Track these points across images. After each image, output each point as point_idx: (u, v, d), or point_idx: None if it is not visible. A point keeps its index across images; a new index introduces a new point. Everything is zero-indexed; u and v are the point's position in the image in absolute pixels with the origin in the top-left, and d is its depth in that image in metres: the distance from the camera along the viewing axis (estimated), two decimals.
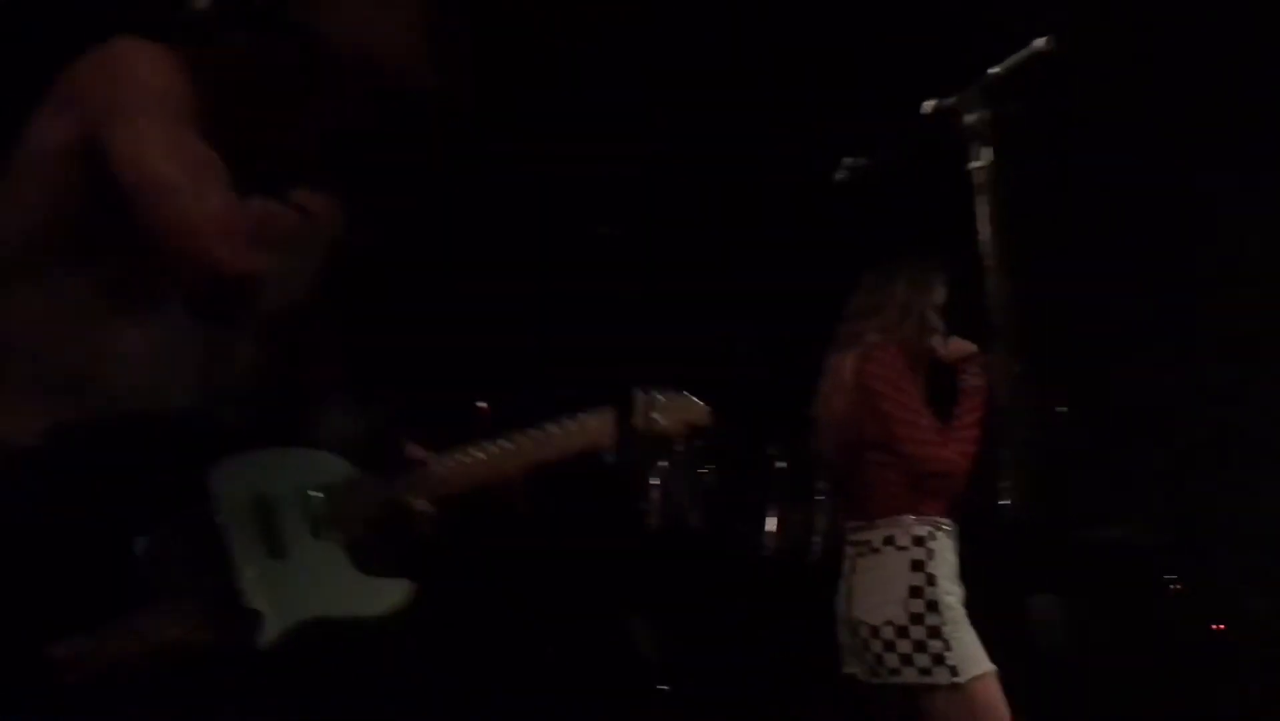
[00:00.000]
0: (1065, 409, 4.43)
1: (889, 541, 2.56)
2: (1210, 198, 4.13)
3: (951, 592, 2.54)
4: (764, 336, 4.16)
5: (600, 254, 3.81)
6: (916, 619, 2.50)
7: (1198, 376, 4.21)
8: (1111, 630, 4.18)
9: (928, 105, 1.80)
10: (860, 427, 2.62)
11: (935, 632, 2.48)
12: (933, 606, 2.50)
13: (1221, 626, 4.14)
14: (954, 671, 2.46)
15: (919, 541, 2.54)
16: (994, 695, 2.49)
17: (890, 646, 2.50)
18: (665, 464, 3.77)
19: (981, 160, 1.79)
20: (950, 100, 1.80)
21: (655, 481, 3.76)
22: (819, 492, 4.08)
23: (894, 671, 2.50)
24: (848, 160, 2.04)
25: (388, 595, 1.54)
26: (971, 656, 2.49)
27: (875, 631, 2.51)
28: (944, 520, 2.59)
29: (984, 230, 1.81)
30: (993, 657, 2.47)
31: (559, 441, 1.72)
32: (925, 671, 2.48)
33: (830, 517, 4.05)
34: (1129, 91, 3.78)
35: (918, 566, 2.53)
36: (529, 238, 3.85)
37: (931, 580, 2.52)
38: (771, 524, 4.07)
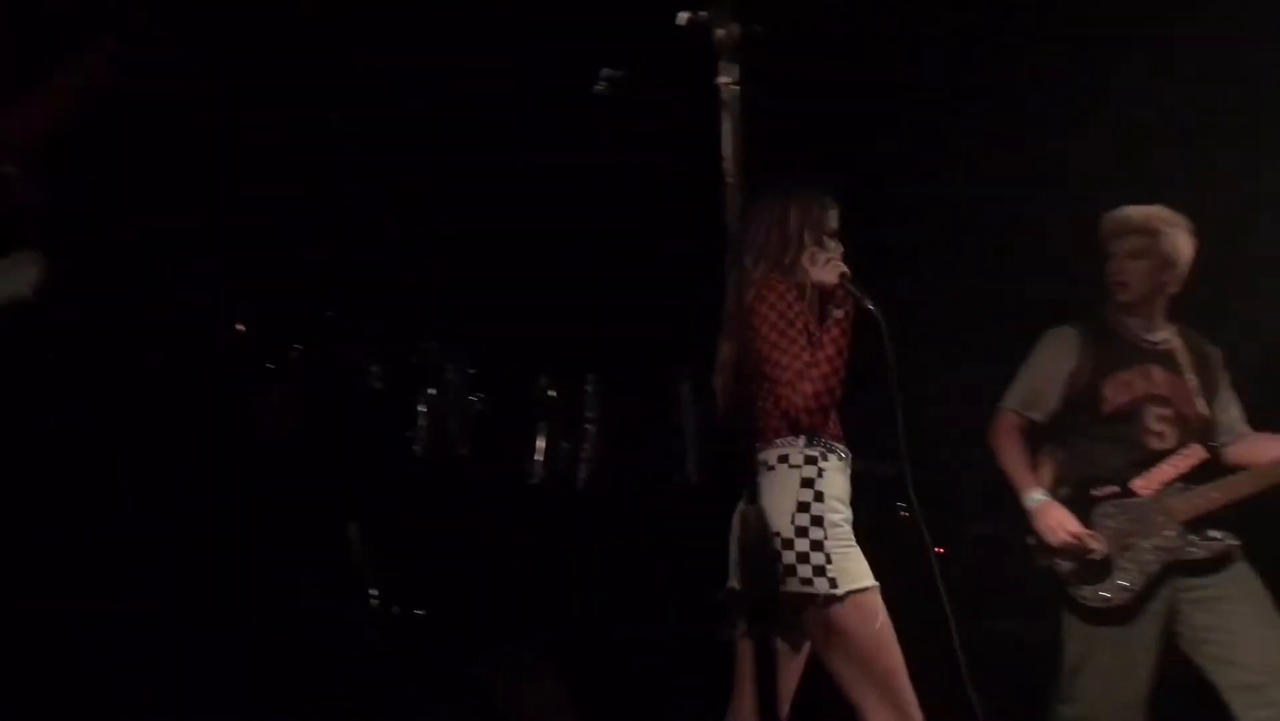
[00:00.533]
0: None
1: (783, 460, 2.68)
2: (957, 124, 4.36)
3: (838, 511, 2.66)
4: (531, 262, 4.18)
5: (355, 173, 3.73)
6: (801, 532, 2.61)
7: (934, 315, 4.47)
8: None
9: (682, 17, 1.83)
10: (749, 359, 2.68)
11: (818, 546, 2.60)
12: (818, 521, 2.62)
13: (941, 550, 4.50)
14: (833, 583, 2.58)
15: (811, 460, 2.66)
16: (871, 609, 2.62)
17: (781, 559, 2.59)
18: (433, 391, 3.77)
19: (728, 76, 1.83)
20: (703, 14, 1.83)
21: (423, 409, 3.75)
22: (588, 422, 4.20)
23: (781, 581, 2.57)
24: (605, 72, 2.05)
25: None
26: (852, 571, 2.62)
27: None
28: (838, 444, 2.73)
29: (727, 147, 1.86)
30: None
31: None
32: (806, 582, 2.59)
33: (601, 447, 4.18)
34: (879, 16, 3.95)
35: (807, 483, 2.65)
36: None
37: (819, 496, 2.64)
38: (539, 453, 4.12)
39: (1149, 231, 3.36)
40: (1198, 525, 3.19)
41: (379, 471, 3.68)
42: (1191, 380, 3.32)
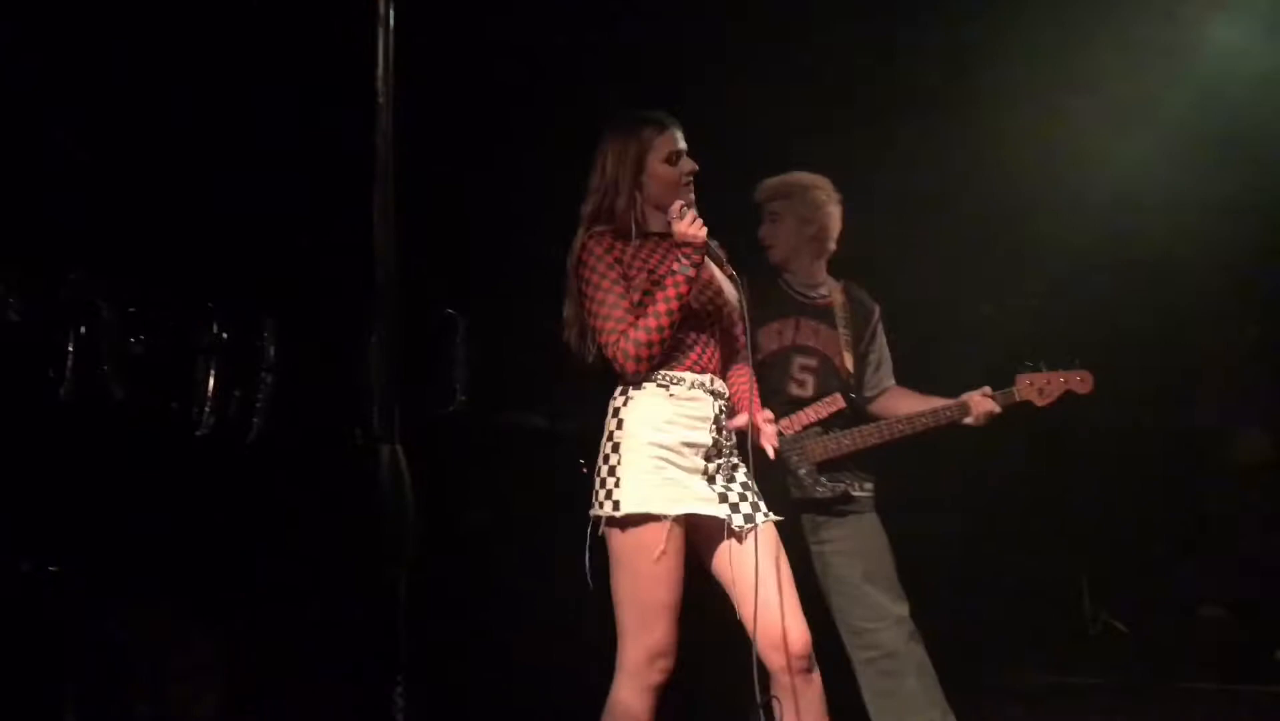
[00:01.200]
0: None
1: (611, 399, 2.80)
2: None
3: (637, 436, 2.70)
4: (199, 193, 3.86)
5: None
6: (605, 459, 2.75)
7: None
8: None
9: None
10: (578, 310, 2.79)
11: (612, 470, 2.71)
12: (616, 447, 2.73)
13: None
14: (616, 505, 2.66)
15: (623, 391, 2.76)
16: (652, 539, 2.60)
17: (593, 486, 2.75)
18: (83, 330, 3.42)
19: None
20: None
21: (70, 348, 3.39)
22: (265, 370, 3.95)
23: (590, 506, 2.76)
24: None
25: None
26: (638, 496, 2.65)
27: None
28: (688, 373, 2.75)
29: (381, 64, 1.80)
30: None
31: None
32: (600, 504, 2.72)
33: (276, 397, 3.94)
34: None
35: (614, 412, 2.77)
36: None
37: (621, 424, 2.73)
38: (208, 400, 3.85)
39: (786, 195, 3.59)
40: (828, 468, 3.41)
41: (14, 413, 3.30)
42: (844, 334, 3.52)
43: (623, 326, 2.69)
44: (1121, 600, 5.41)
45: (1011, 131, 4.57)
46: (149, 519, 3.58)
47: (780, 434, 3.32)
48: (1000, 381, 3.48)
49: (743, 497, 2.79)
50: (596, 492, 2.73)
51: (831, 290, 3.60)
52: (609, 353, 2.72)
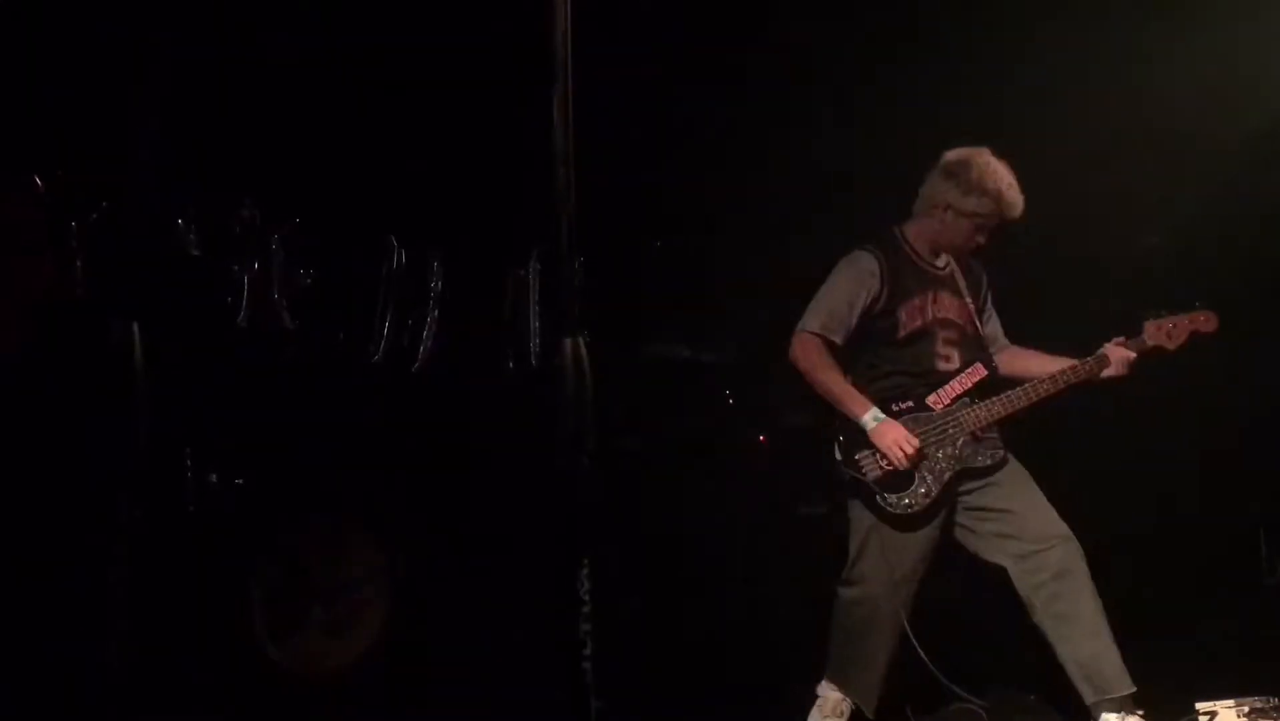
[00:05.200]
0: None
1: None
2: None
3: None
4: (375, 135, 3.80)
5: None
6: None
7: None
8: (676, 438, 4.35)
9: None
10: None
11: None
12: None
13: (764, 439, 4.42)
14: None
15: None
16: None
17: None
18: (257, 264, 3.42)
19: None
20: None
21: (245, 278, 3.39)
22: (433, 301, 3.91)
23: None
24: None
25: None
26: None
27: None
28: None
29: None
30: None
31: None
32: None
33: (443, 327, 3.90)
34: None
35: None
36: None
37: None
38: (382, 329, 3.83)
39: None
40: (979, 434, 3.27)
41: (197, 337, 3.32)
42: (969, 302, 3.36)
43: None
44: None
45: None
46: (322, 438, 3.60)
47: (930, 409, 3.24)
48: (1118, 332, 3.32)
49: None
50: None
51: (948, 259, 3.36)
52: None
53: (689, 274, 4.34)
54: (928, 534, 3.21)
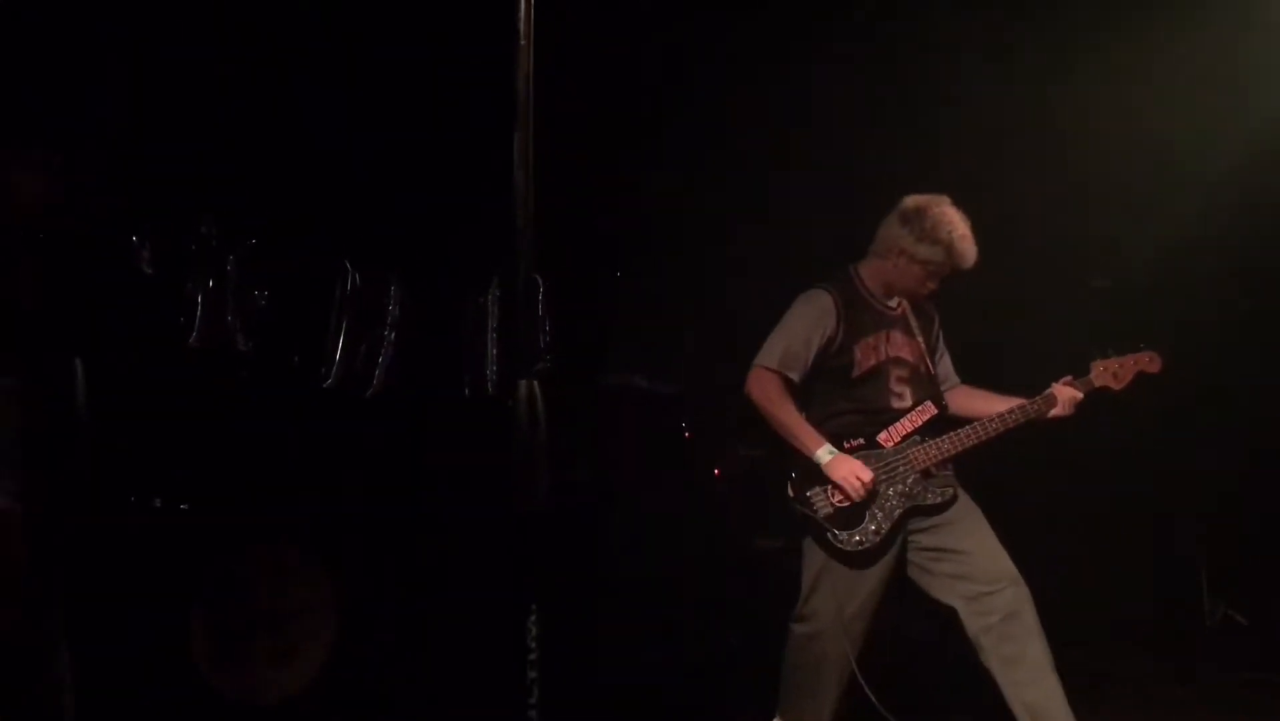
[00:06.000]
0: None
1: None
2: None
3: None
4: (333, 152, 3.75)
5: None
6: None
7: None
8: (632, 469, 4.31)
9: None
10: None
11: None
12: None
13: (718, 471, 4.40)
14: None
15: None
16: None
17: None
18: (211, 283, 3.33)
19: None
20: None
21: (199, 298, 3.31)
22: (389, 326, 3.85)
23: None
24: None
25: None
26: None
27: None
28: None
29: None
30: None
31: None
32: None
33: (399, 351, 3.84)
34: None
35: None
36: None
37: None
38: (338, 352, 3.76)
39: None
40: (929, 471, 3.26)
41: (146, 358, 3.23)
42: (921, 342, 3.36)
43: None
44: (1242, 592, 4.95)
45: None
46: (270, 462, 3.52)
47: (881, 446, 3.24)
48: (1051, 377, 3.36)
49: None
50: None
51: (899, 299, 3.37)
52: None
53: (647, 304, 4.33)
54: (879, 571, 3.20)
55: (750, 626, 3.96)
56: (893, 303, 3.37)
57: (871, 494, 3.16)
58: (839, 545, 3.17)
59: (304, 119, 3.69)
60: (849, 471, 3.15)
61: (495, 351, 4.03)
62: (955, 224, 3.23)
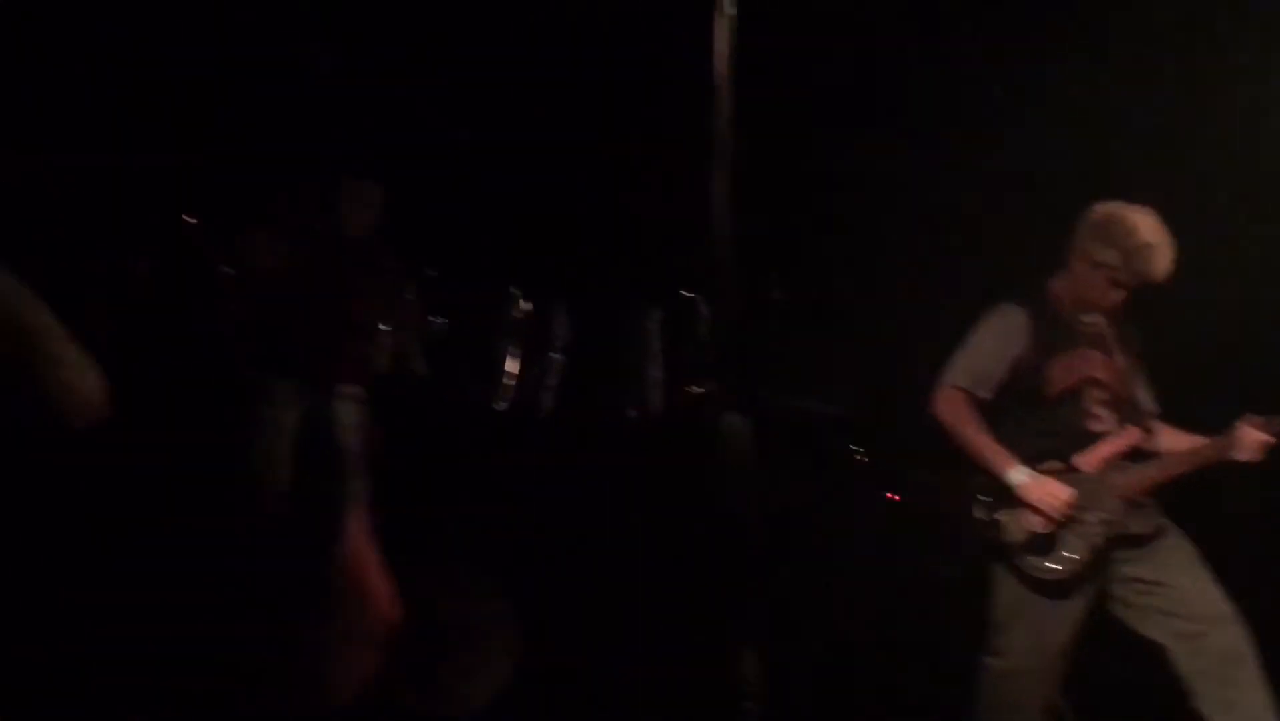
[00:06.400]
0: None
1: None
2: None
3: None
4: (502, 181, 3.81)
5: None
6: None
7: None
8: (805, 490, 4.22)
9: None
10: None
11: None
12: None
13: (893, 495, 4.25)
14: None
15: None
16: None
17: None
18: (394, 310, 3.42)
19: None
20: None
21: (384, 328, 3.40)
22: (555, 349, 3.89)
23: None
24: None
25: None
26: None
27: None
28: None
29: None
30: None
31: None
32: None
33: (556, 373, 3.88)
34: None
35: None
36: None
37: None
38: (508, 377, 3.81)
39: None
40: (1134, 500, 3.03)
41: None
42: (1121, 362, 3.12)
43: None
44: None
45: None
46: (449, 484, 3.59)
47: (1080, 471, 3.03)
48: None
49: None
50: None
51: (1098, 316, 3.13)
52: None
53: (817, 325, 4.24)
54: (1077, 603, 2.99)
55: (929, 658, 3.79)
56: (1089, 319, 3.14)
57: (1070, 519, 2.97)
58: (1034, 574, 2.99)
59: (473, 147, 3.78)
60: (1047, 492, 2.96)
61: (659, 374, 4.03)
62: (1139, 230, 2.97)
